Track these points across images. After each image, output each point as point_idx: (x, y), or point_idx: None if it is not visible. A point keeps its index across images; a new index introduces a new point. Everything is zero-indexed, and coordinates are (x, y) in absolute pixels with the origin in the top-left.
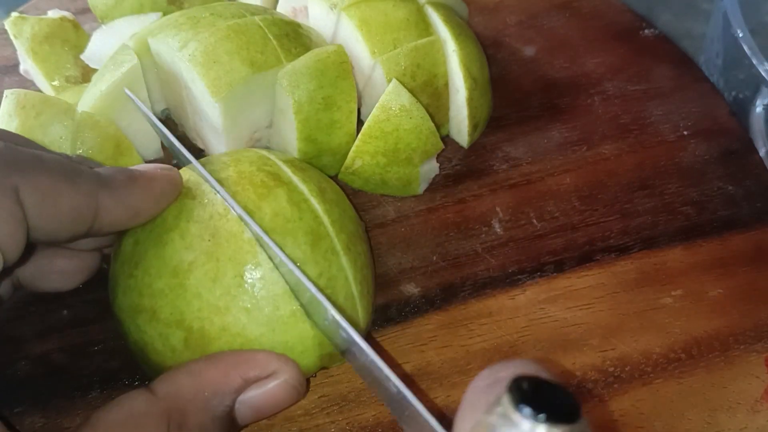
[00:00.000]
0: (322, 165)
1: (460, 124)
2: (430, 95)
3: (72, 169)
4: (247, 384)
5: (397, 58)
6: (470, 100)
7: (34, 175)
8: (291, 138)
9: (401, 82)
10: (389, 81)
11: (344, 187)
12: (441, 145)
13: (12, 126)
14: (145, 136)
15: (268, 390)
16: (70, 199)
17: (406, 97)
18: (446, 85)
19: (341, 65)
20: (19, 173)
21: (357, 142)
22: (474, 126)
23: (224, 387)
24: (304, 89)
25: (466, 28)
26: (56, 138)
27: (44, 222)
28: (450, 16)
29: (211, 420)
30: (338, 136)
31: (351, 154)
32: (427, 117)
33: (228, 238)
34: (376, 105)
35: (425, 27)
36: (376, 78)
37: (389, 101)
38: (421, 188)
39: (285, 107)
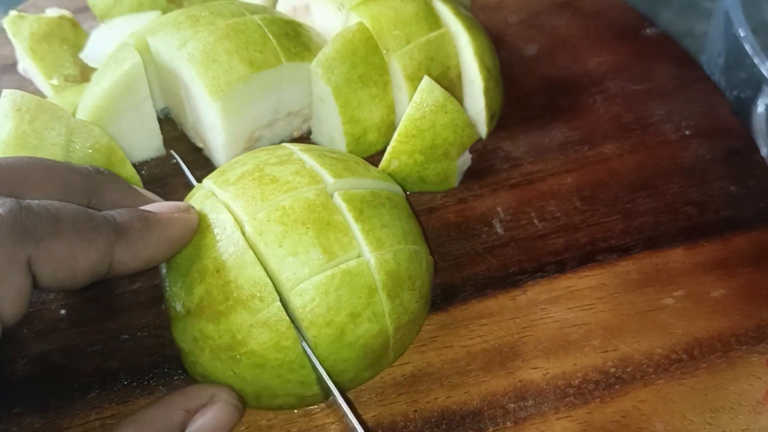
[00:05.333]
0: (369, 143)
1: (477, 115)
2: (445, 87)
3: (89, 224)
4: (190, 415)
5: (412, 53)
6: (486, 91)
7: (50, 241)
8: (335, 123)
9: (416, 77)
10: (405, 76)
11: None
12: (477, 136)
13: (6, 128)
14: (147, 134)
15: (210, 416)
16: (85, 260)
17: (439, 92)
18: (459, 76)
19: (368, 41)
20: (33, 243)
21: (393, 143)
22: (491, 116)
23: (168, 424)
24: (339, 72)
25: (474, 19)
26: (48, 144)
27: (58, 282)
28: (458, 8)
29: None
30: (379, 110)
31: (387, 155)
32: (462, 109)
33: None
34: (410, 104)
35: (434, 20)
36: (393, 74)
37: (423, 98)
38: (457, 181)
39: (324, 95)
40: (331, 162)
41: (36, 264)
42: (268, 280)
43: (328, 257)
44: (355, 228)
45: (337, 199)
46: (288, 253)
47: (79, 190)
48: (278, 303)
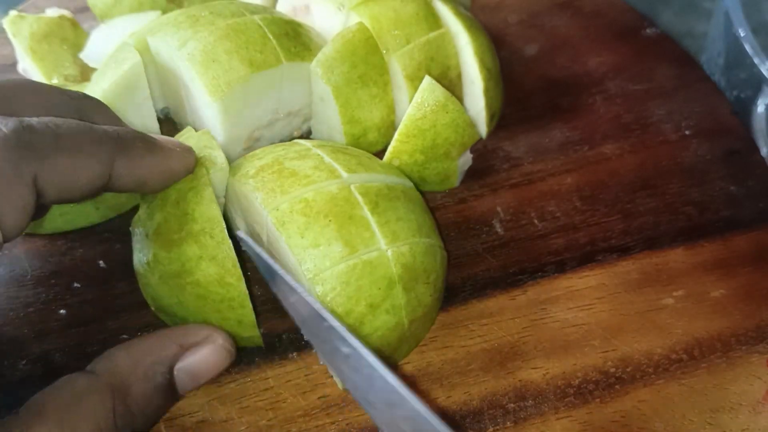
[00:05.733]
0: (369, 143)
1: (477, 115)
2: (445, 87)
3: (90, 138)
4: (183, 350)
5: (412, 53)
6: (486, 91)
7: (53, 157)
8: (335, 123)
9: (417, 77)
10: (405, 76)
11: None
12: (478, 136)
13: None
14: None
15: (203, 354)
16: (88, 172)
17: (440, 92)
18: (459, 76)
19: (368, 41)
20: (38, 159)
21: (394, 142)
22: (491, 116)
23: (161, 354)
24: (339, 72)
25: (474, 19)
26: None
27: (62, 195)
28: (458, 8)
29: (154, 389)
30: (379, 110)
31: (387, 155)
32: (462, 109)
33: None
34: (411, 104)
35: (434, 20)
36: (393, 74)
37: (424, 98)
38: (458, 181)
39: (324, 95)
40: (345, 157)
41: (41, 180)
42: (221, 219)
43: (350, 251)
44: (371, 220)
45: (353, 191)
46: (310, 245)
47: (68, 112)
48: (229, 242)
